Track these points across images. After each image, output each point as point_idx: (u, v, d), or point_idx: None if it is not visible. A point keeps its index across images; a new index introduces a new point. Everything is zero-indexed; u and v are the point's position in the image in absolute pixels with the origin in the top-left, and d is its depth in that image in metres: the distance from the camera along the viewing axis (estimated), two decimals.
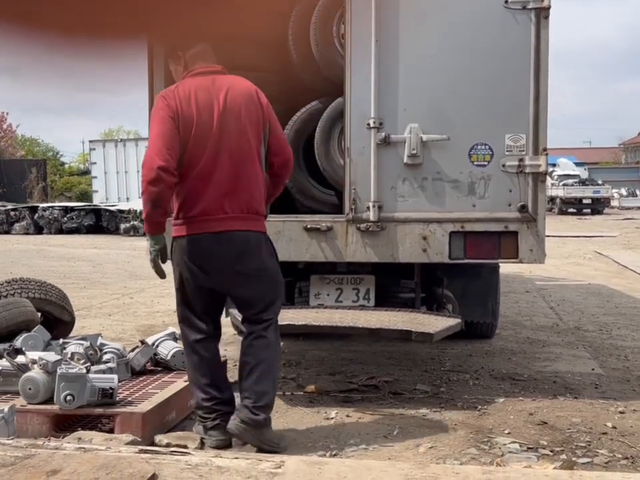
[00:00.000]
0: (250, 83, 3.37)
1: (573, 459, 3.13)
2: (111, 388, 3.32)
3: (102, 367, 3.62)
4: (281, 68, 4.68)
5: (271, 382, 3.28)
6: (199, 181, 3.18)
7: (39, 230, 21.11)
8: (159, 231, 3.18)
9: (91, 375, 3.36)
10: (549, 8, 3.94)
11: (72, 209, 21.46)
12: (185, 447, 2.93)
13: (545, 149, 4.02)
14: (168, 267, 3.31)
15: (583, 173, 38.32)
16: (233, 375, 4.58)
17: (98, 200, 23.77)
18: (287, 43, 4.59)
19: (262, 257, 3.31)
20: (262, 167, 3.33)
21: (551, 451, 3.24)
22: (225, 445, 3.21)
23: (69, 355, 3.67)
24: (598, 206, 31.90)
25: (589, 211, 31.77)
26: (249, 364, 3.27)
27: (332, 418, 3.73)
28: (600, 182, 34.14)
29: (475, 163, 4.06)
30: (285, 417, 3.77)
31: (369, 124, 4.11)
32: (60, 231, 20.84)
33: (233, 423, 3.18)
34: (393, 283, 4.70)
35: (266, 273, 3.33)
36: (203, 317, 3.32)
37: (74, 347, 3.79)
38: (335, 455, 3.17)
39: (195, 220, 3.20)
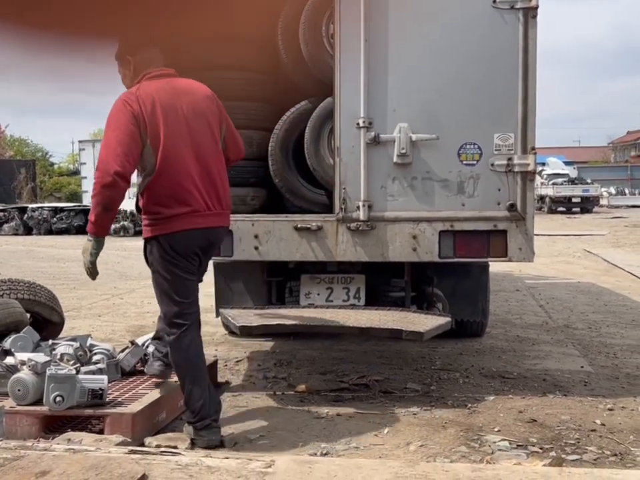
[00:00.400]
0: (205, 86, 3.51)
1: (562, 456, 3.15)
2: (100, 389, 3.30)
3: (92, 367, 3.60)
4: (270, 68, 4.68)
5: None
6: (177, 180, 3.26)
7: (28, 231, 21.03)
8: (104, 234, 3.31)
9: (80, 376, 3.35)
10: (536, 7, 3.96)
11: (61, 210, 21.39)
12: (175, 447, 2.92)
13: (533, 148, 4.04)
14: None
15: (572, 171, 38.51)
16: (223, 375, 4.60)
17: (87, 200, 23.64)
18: (276, 42, 4.58)
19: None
20: None
21: (541, 448, 3.26)
22: (215, 445, 3.21)
23: (58, 356, 3.65)
24: (587, 205, 32.08)
25: (578, 209, 31.94)
26: None
27: (323, 417, 3.74)
28: (589, 181, 34.33)
29: (464, 162, 4.08)
30: (276, 416, 3.77)
31: (358, 123, 4.12)
32: (49, 232, 20.75)
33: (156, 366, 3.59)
34: (383, 282, 4.70)
35: None
36: (192, 302, 3.41)
37: (63, 347, 3.77)
38: (325, 454, 3.17)
39: (184, 216, 3.26)
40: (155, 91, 3.26)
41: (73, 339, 4.03)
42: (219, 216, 3.40)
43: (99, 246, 3.27)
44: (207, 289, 7.46)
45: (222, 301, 5.01)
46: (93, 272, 3.32)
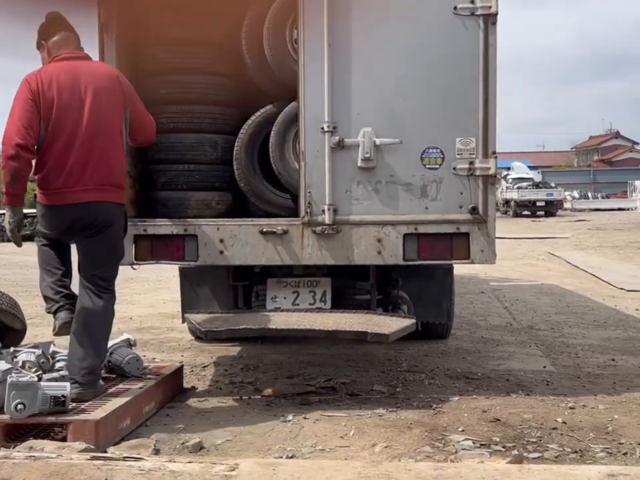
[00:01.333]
0: (112, 68, 3.79)
1: (524, 454, 3.20)
2: (63, 396, 3.26)
3: (54, 374, 3.56)
4: (235, 72, 4.68)
5: (89, 350, 3.60)
6: (60, 156, 3.51)
7: None
8: (18, 203, 3.51)
9: (42, 383, 3.30)
10: (496, 14, 4.03)
11: (26, 216, 20.96)
12: (138, 454, 2.90)
13: (494, 152, 4.11)
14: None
15: (537, 176, 39.09)
16: (189, 380, 4.57)
17: None
18: (240, 47, 4.59)
19: (115, 227, 3.69)
20: (123, 143, 3.71)
21: (503, 447, 3.31)
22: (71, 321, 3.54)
23: (19, 364, 3.59)
24: (551, 208, 32.62)
25: (542, 213, 32.44)
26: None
27: (289, 420, 3.74)
28: (553, 185, 34.93)
29: (427, 166, 4.13)
30: (242, 420, 3.77)
31: (323, 128, 4.14)
32: None
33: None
34: (349, 285, 4.73)
35: (115, 242, 3.73)
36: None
37: (25, 355, 3.71)
38: (291, 457, 3.17)
39: (57, 192, 3.53)
40: (55, 71, 3.54)
41: (36, 346, 3.97)
42: (94, 191, 3.55)
43: (15, 214, 3.49)
44: (173, 295, 7.42)
45: (188, 306, 4.98)
46: (15, 240, 3.55)
